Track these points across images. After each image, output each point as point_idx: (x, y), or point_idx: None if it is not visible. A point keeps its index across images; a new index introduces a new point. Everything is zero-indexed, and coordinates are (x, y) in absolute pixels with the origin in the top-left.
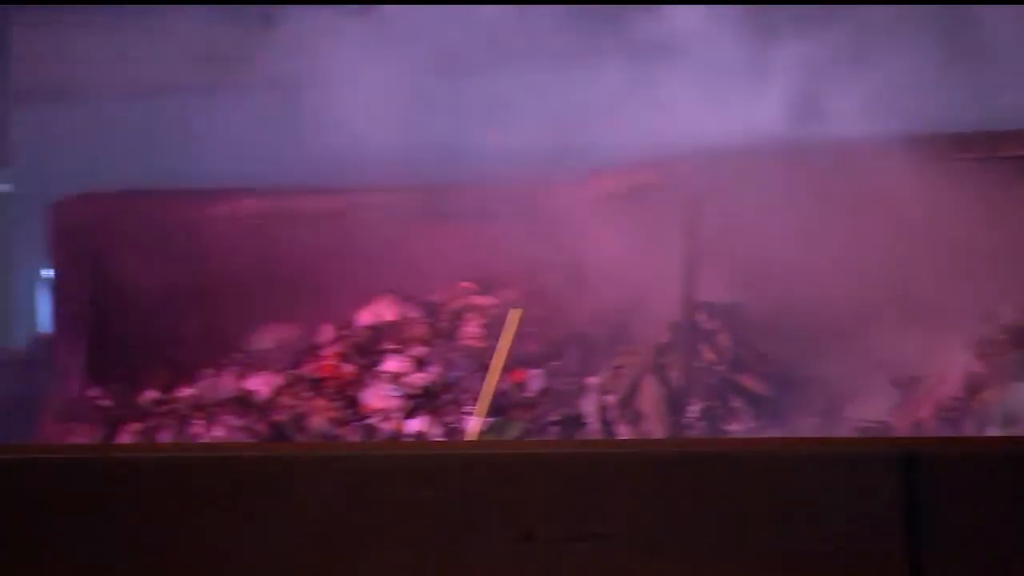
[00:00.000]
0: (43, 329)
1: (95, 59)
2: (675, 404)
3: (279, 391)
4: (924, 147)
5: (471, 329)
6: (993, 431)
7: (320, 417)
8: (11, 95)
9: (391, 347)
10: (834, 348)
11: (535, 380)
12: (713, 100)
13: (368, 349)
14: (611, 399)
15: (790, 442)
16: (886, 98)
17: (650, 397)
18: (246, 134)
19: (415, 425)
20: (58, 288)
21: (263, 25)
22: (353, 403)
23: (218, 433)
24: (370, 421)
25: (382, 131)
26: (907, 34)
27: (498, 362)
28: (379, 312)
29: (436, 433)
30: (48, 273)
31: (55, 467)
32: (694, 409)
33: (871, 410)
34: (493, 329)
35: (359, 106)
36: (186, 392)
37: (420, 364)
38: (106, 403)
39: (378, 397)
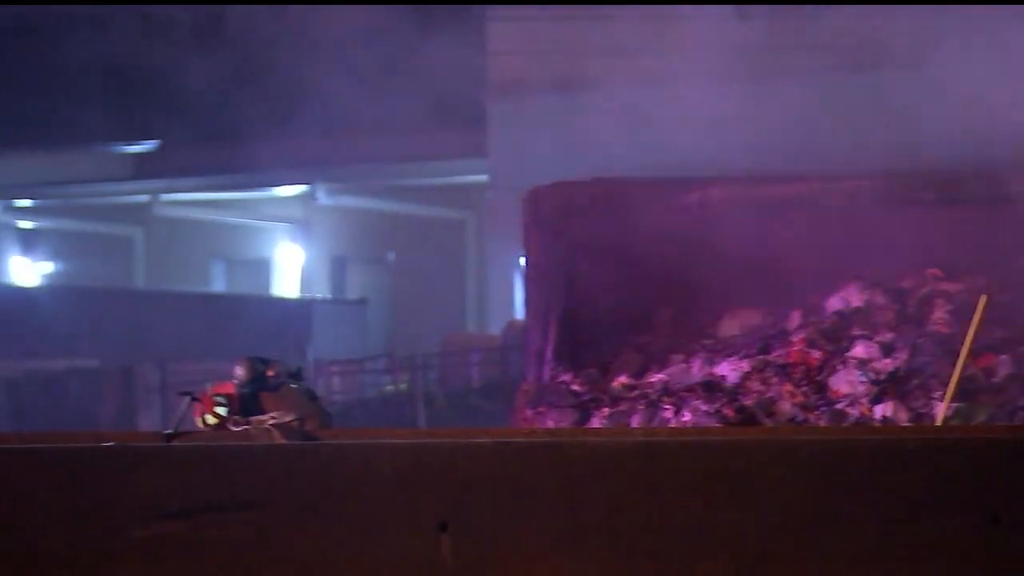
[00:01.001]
0: (518, 316)
1: (565, 52)
2: None
3: (747, 376)
4: None
5: (938, 315)
6: None
7: (788, 402)
8: (488, 88)
9: (859, 333)
10: None
11: (1003, 366)
12: None
13: (836, 335)
14: None
15: None
16: None
17: None
18: (710, 124)
19: (882, 410)
20: (531, 276)
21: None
22: (821, 388)
23: (686, 418)
24: (838, 406)
25: (844, 119)
26: None
27: (966, 348)
28: (847, 298)
29: (902, 418)
30: (522, 261)
31: (525, 447)
32: None
33: None
34: (960, 315)
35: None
36: (656, 378)
37: (888, 350)
38: (578, 388)
39: (846, 382)
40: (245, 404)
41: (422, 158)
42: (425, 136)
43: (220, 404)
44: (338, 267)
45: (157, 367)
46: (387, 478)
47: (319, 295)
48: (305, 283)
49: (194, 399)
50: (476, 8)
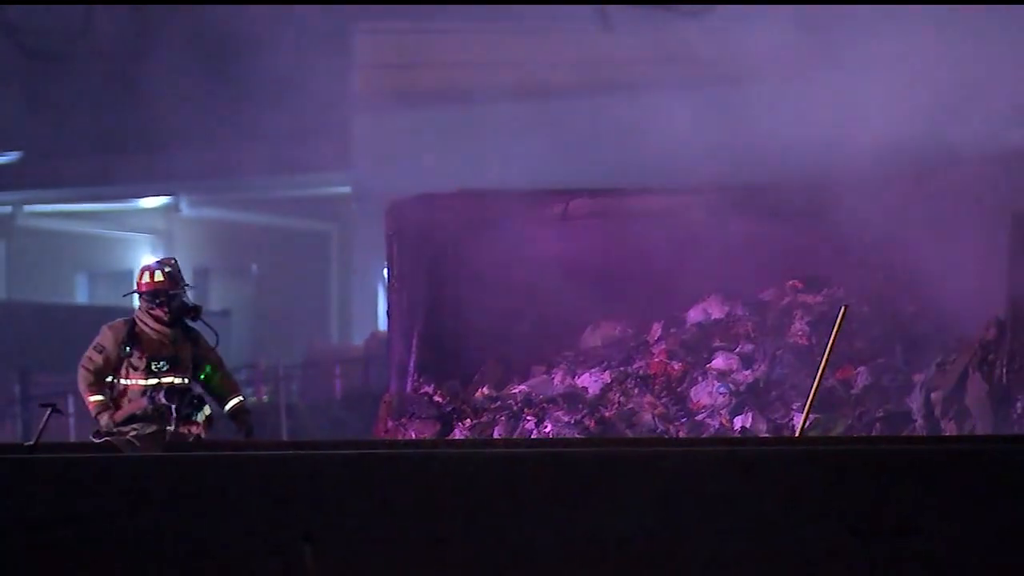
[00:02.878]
0: (382, 328)
1: (428, 65)
2: (1000, 400)
3: (608, 388)
4: None
5: (798, 326)
6: None
7: (648, 413)
8: (354, 100)
9: (719, 345)
10: None
11: (861, 377)
12: None
13: (696, 347)
14: (937, 396)
15: None
16: None
17: (976, 394)
18: (577, 137)
19: (741, 421)
20: (395, 288)
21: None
22: (681, 400)
23: (548, 429)
24: (698, 418)
25: (712, 133)
26: None
27: (825, 360)
28: (707, 310)
29: (761, 430)
30: (386, 273)
31: (386, 459)
32: (1020, 406)
33: None
34: (820, 327)
35: (681, 109)
36: (518, 389)
37: (747, 362)
38: (440, 399)
39: (706, 394)
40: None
41: (286, 170)
42: (289, 148)
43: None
44: (201, 279)
45: (17, 378)
46: (252, 488)
47: None
48: None
49: (55, 410)
50: (343, 21)
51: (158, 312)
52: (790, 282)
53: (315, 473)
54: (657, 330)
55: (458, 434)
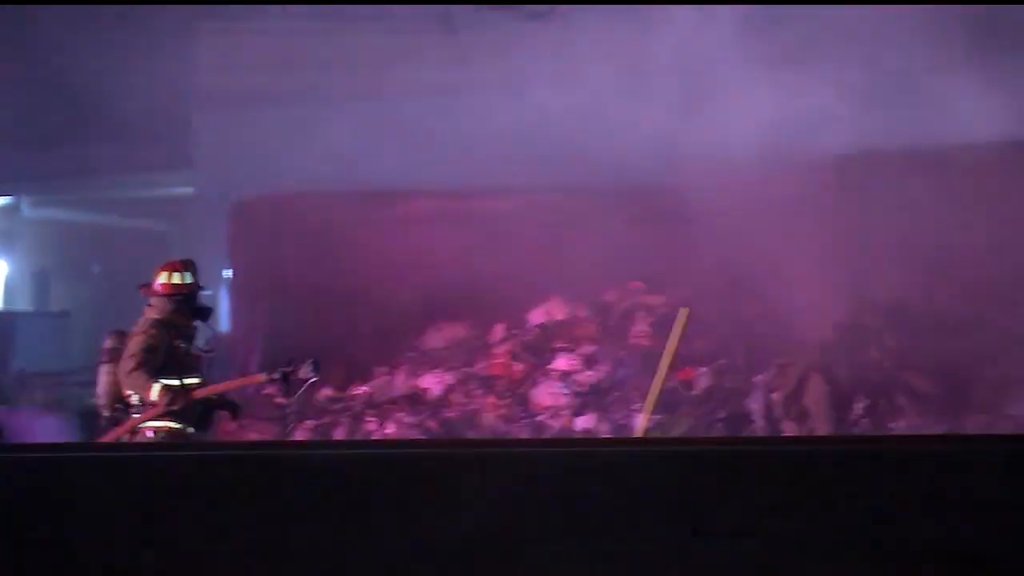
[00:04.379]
0: (223, 328)
1: (272, 65)
2: (840, 401)
3: (451, 389)
4: None
5: (640, 328)
6: None
7: (491, 414)
8: (194, 100)
9: (561, 346)
10: (999, 346)
11: (702, 378)
12: None
13: (539, 348)
14: (777, 396)
15: (951, 439)
16: None
17: (816, 394)
18: (421, 138)
19: (584, 422)
20: (236, 288)
21: (442, 31)
22: (523, 400)
23: (390, 430)
24: (540, 418)
25: (556, 135)
26: None
27: (666, 360)
28: (550, 311)
29: (603, 430)
30: (227, 274)
31: (234, 460)
32: (859, 406)
33: None
34: (661, 328)
35: (526, 110)
36: (360, 390)
37: (590, 363)
38: (283, 400)
39: (548, 395)
40: None
41: (127, 170)
42: (128, 148)
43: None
44: (41, 280)
45: None
46: (91, 489)
47: (22, 308)
48: (7, 296)
49: None
50: (183, 20)
51: (179, 315)
52: (632, 283)
53: (155, 474)
54: (499, 331)
55: (300, 436)
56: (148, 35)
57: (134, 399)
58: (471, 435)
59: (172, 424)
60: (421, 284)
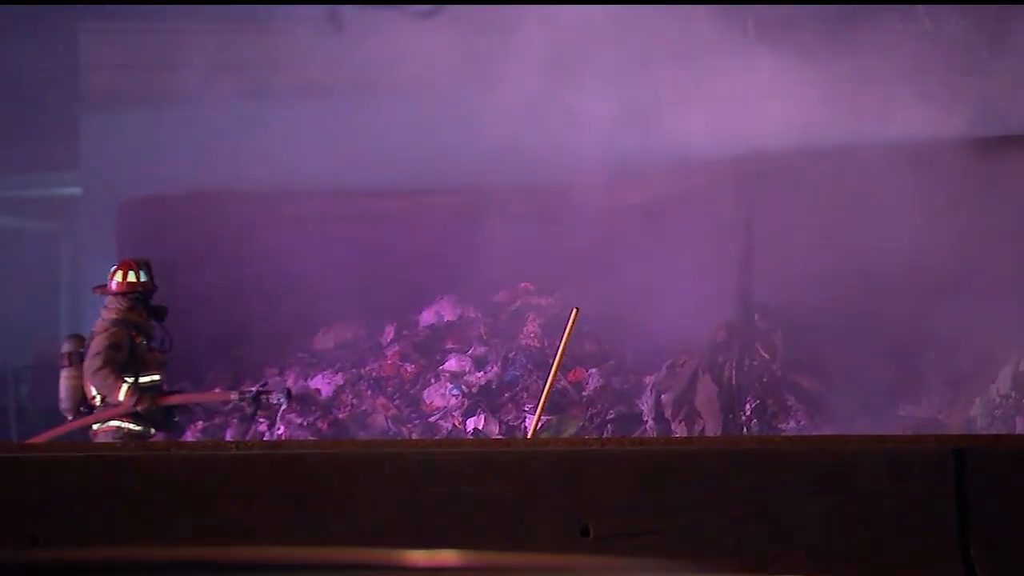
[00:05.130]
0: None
1: (158, 66)
2: (730, 402)
3: (341, 390)
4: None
5: (530, 328)
6: None
7: (381, 415)
8: (80, 101)
9: (452, 346)
10: (887, 347)
11: (593, 379)
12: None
13: (429, 348)
14: (667, 397)
15: (840, 440)
16: None
17: (705, 395)
18: (311, 138)
19: (474, 423)
20: None
21: (331, 30)
22: (414, 401)
23: (280, 431)
24: (431, 419)
25: (447, 136)
26: None
27: (557, 362)
28: (440, 312)
29: (494, 431)
30: None
31: (120, 461)
32: (748, 407)
33: (923, 408)
34: (552, 329)
35: (428, 110)
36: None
37: (480, 363)
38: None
39: (439, 396)
40: None
41: (12, 171)
42: (15, 148)
43: None
44: None
45: None
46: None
47: None
48: None
49: None
50: (68, 19)
51: (136, 313)
52: (522, 284)
53: (44, 473)
54: (390, 332)
55: (190, 436)
56: (38, 35)
57: (98, 401)
58: (361, 436)
59: (132, 426)
60: (311, 285)
